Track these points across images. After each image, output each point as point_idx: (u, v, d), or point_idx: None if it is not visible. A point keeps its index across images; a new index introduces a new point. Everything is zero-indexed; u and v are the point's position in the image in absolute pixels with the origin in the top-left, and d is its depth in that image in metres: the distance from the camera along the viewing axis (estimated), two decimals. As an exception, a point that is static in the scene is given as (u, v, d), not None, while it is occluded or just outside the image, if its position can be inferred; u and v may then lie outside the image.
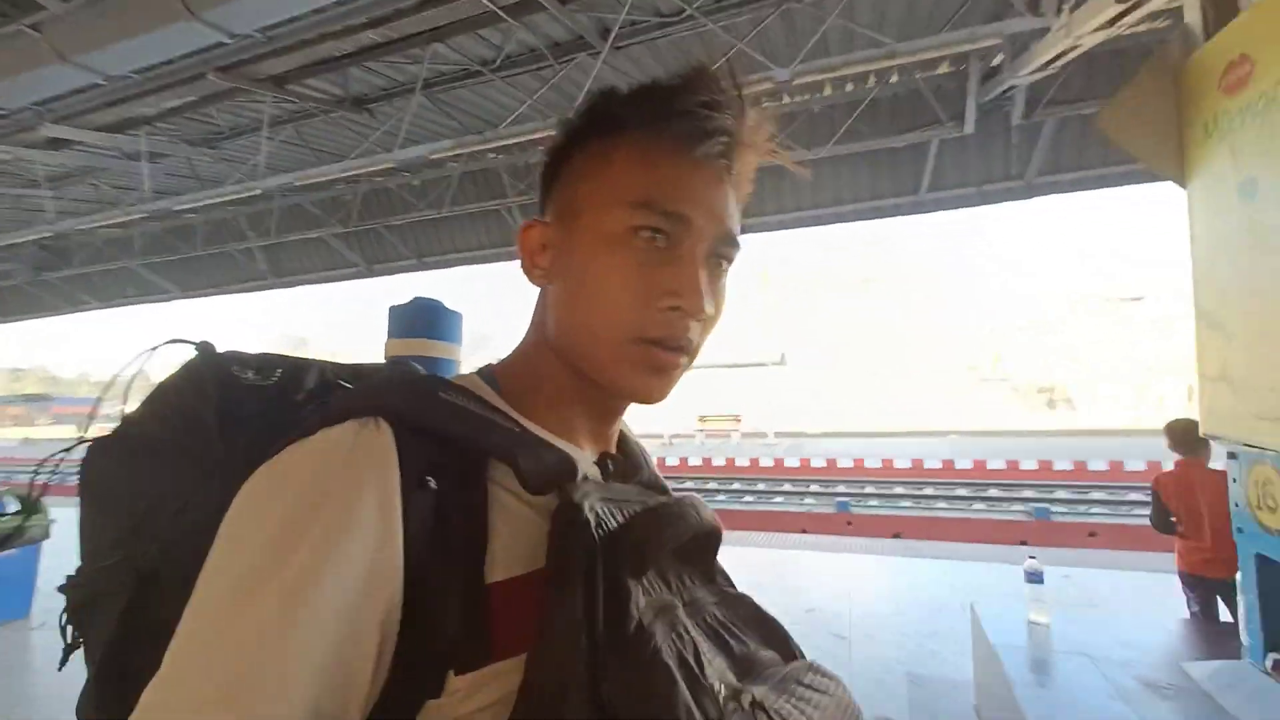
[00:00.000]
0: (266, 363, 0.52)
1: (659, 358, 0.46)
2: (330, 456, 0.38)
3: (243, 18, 3.76)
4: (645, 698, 0.36)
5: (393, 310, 2.00)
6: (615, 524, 0.42)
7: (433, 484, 0.39)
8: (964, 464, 13.88)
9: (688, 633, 0.41)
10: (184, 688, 0.32)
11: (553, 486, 0.42)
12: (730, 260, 0.49)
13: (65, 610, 0.49)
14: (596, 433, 0.52)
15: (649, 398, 0.48)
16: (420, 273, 9.52)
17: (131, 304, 11.81)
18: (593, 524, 0.40)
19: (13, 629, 4.51)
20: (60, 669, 0.46)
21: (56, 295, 12.14)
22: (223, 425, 0.48)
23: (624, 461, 0.55)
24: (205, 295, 11.33)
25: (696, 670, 0.39)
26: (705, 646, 0.42)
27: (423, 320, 2.01)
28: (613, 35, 4.39)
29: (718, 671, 0.41)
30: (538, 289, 0.52)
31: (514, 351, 0.53)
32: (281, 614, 0.33)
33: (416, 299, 2.06)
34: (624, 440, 0.57)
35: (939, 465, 13.97)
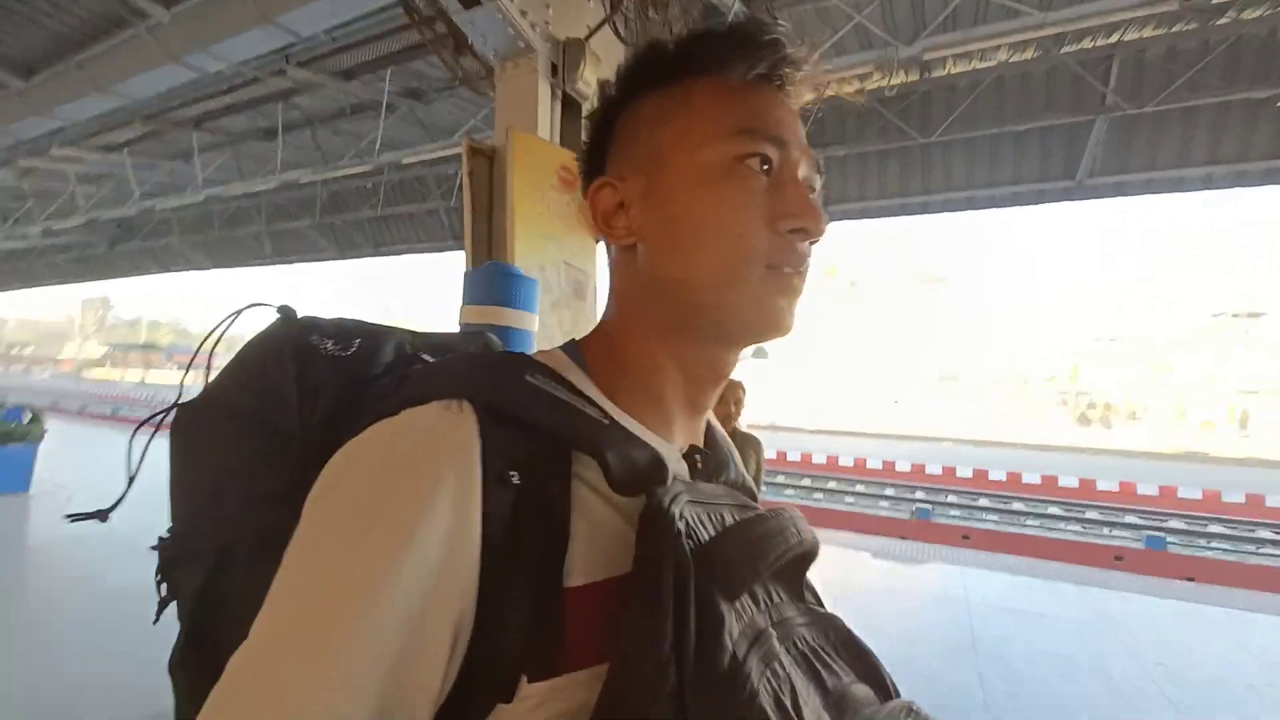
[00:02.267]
0: (344, 331, 0.50)
1: (789, 280, 0.45)
2: (412, 441, 0.37)
3: (141, 89, 5.55)
4: None
5: (467, 276, 1.93)
6: (706, 535, 0.39)
7: (516, 479, 0.37)
8: (874, 464, 14.92)
9: (783, 669, 0.38)
10: (246, 685, 0.31)
11: (642, 488, 0.40)
12: (816, 189, 0.48)
13: (158, 569, 0.49)
14: (691, 415, 0.49)
15: (781, 324, 0.45)
16: (377, 258, 11.45)
17: (179, 271, 14.56)
18: (682, 533, 0.37)
19: (18, 498, 6.83)
20: (154, 622, 0.49)
21: (128, 263, 15.08)
22: (300, 397, 0.46)
23: (712, 457, 0.51)
24: (229, 268, 13.84)
25: (794, 715, 0.35)
26: (800, 682, 0.38)
27: (497, 287, 1.92)
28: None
29: (814, 714, 0.37)
30: (611, 258, 0.50)
31: (599, 325, 0.50)
32: (350, 610, 0.32)
33: (491, 264, 2.00)
34: (710, 431, 0.55)
35: (879, 465, 14.78)
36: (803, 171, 0.46)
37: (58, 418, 15.62)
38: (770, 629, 0.39)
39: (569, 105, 3.26)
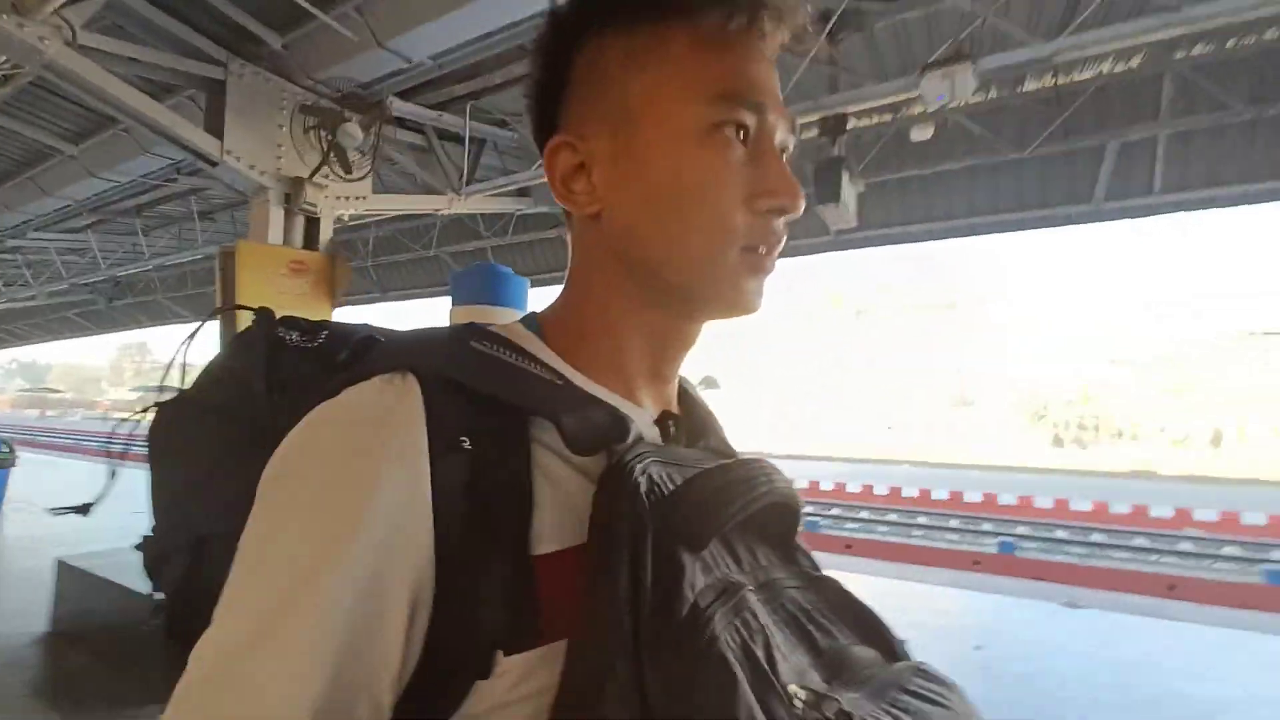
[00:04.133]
0: (313, 325, 0.51)
1: (762, 262, 0.44)
2: (352, 418, 0.37)
3: (76, 194, 7.24)
4: (695, 696, 0.31)
5: (454, 276, 1.87)
6: (671, 488, 0.38)
7: (467, 445, 0.37)
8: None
9: (756, 619, 0.36)
10: (203, 676, 0.32)
11: (601, 447, 0.39)
12: (789, 150, 0.46)
13: (144, 565, 0.50)
14: (658, 381, 0.49)
15: (750, 305, 0.45)
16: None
17: (167, 325, 16.51)
18: (643, 488, 0.36)
19: (-6, 509, 8.37)
20: (166, 630, 0.48)
21: (126, 317, 17.11)
22: (269, 389, 0.47)
23: (688, 422, 0.50)
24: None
25: (766, 666, 0.34)
26: (780, 638, 0.37)
27: (484, 286, 1.87)
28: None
29: (795, 670, 0.35)
30: (572, 228, 0.48)
31: (561, 294, 0.50)
32: (296, 586, 0.32)
33: (479, 264, 1.94)
34: (688, 399, 0.53)
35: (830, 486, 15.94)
36: (779, 136, 0.45)
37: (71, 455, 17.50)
38: (747, 585, 0.38)
39: (310, 219, 4.76)
